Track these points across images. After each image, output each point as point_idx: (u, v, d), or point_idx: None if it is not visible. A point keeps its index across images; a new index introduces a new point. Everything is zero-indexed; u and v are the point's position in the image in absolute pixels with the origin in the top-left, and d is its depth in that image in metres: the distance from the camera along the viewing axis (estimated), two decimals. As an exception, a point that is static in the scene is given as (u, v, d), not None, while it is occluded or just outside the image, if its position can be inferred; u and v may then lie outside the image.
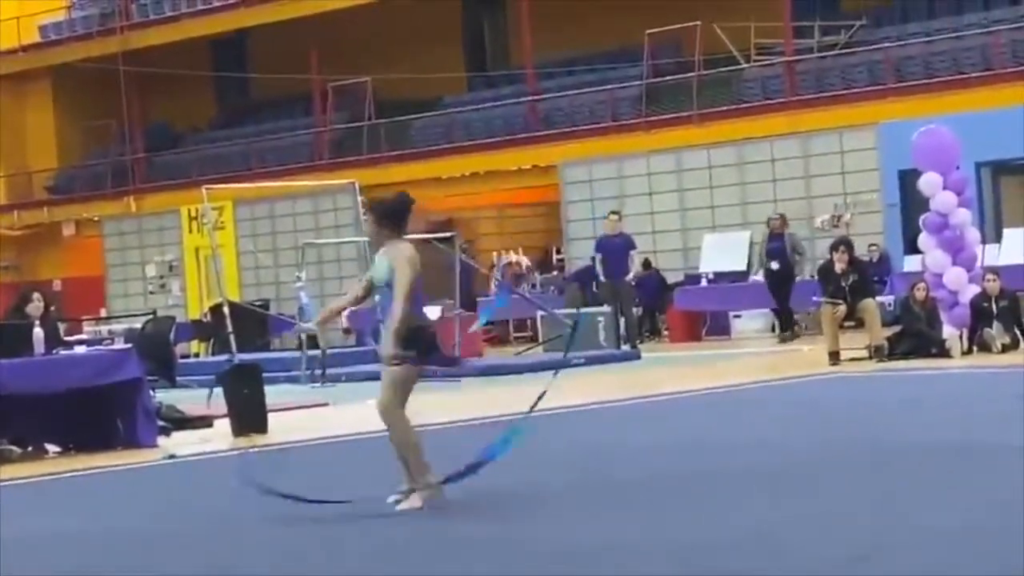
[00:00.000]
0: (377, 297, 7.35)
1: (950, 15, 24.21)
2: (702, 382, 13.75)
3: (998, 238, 20.38)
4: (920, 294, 15.09)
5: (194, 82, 31.83)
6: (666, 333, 22.51)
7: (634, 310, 20.34)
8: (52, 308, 12.78)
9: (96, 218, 32.20)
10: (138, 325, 20.10)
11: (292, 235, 27.40)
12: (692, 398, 12.66)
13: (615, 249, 19.59)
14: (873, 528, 6.07)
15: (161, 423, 11.59)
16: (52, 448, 11.35)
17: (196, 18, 30.58)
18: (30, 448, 11.31)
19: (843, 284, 14.94)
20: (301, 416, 13.06)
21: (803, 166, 23.45)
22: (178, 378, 16.06)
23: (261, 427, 11.67)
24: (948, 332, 14.87)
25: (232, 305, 19.67)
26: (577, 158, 25.53)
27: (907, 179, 20.02)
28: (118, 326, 23.96)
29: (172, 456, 10.49)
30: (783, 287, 19.46)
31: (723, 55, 24.97)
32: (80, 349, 12.20)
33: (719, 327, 22.10)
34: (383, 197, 7.66)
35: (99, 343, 15.11)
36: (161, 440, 11.23)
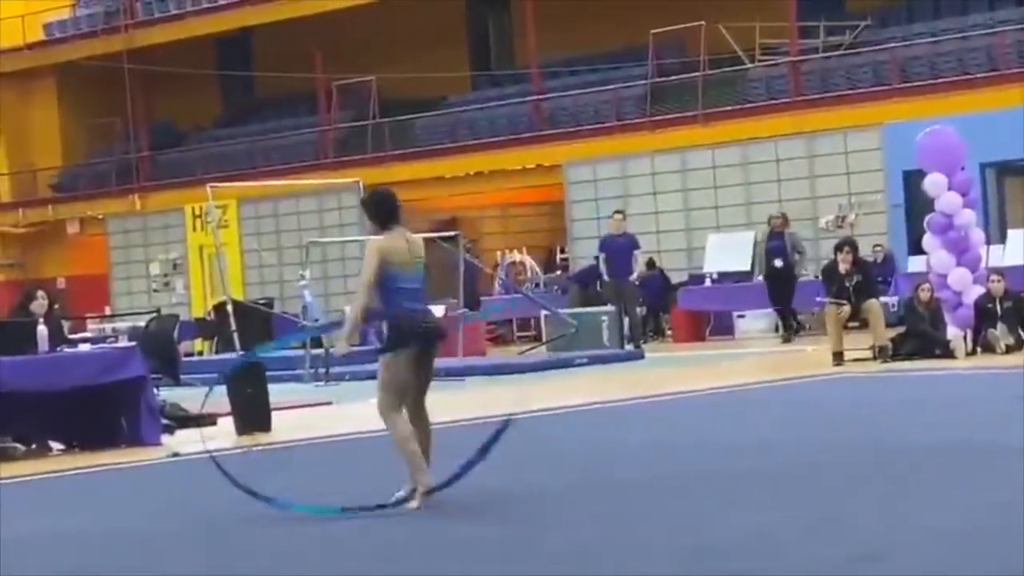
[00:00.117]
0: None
1: (955, 15, 24.19)
2: (705, 382, 13.74)
3: (1002, 239, 20.36)
4: (924, 295, 15.08)
5: (199, 80, 31.85)
6: (670, 333, 22.50)
7: (638, 310, 20.33)
8: (56, 306, 12.79)
9: (100, 216, 32.23)
10: (142, 323, 20.13)
11: (296, 234, 27.43)
12: (695, 398, 12.65)
13: (619, 249, 19.58)
14: (873, 529, 6.06)
15: (165, 421, 11.60)
16: (56, 446, 11.36)
17: (201, 16, 30.60)
18: (34, 446, 11.32)
19: (847, 285, 14.92)
20: (305, 415, 13.06)
21: (807, 166, 23.44)
22: (182, 376, 16.10)
23: (265, 425, 11.68)
24: (952, 333, 14.86)
25: (236, 304, 19.70)
26: (581, 158, 25.53)
27: (912, 180, 20.01)
28: (122, 324, 23.96)
29: (176, 454, 10.50)
30: (785, 286, 19.44)
31: (728, 55, 24.96)
32: (84, 347, 12.21)
33: (723, 327, 22.09)
34: (371, 192, 7.72)
35: (103, 341, 15.13)
36: (165, 438, 11.24)
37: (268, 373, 12.19)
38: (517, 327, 25.35)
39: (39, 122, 34.04)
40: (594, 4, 26.79)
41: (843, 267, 15.00)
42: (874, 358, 14.78)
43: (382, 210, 7.30)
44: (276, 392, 12.37)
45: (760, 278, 20.22)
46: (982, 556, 5.39)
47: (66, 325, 14.49)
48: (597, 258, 20.37)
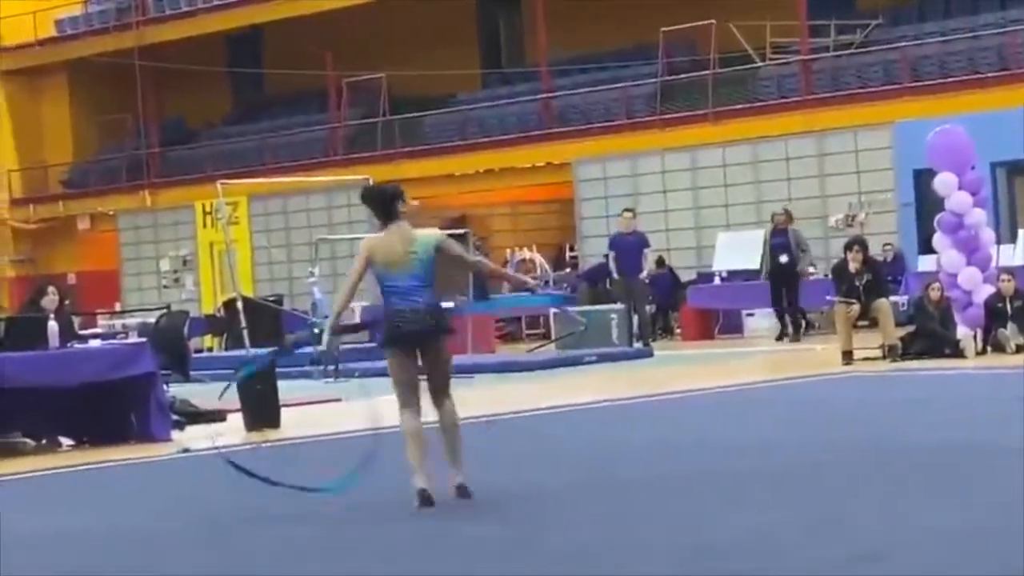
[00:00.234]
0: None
1: (966, 15, 24.15)
2: (712, 381, 13.74)
3: (1013, 238, 20.33)
4: (934, 294, 15.05)
5: (209, 78, 31.89)
6: (679, 331, 22.49)
7: (647, 308, 20.32)
8: (67, 302, 12.83)
9: (111, 212, 32.30)
10: (152, 319, 20.16)
11: (306, 231, 27.47)
12: (702, 397, 12.64)
13: (629, 247, 19.58)
14: (874, 529, 6.05)
15: (174, 417, 11.62)
16: (66, 441, 11.39)
17: (212, 14, 30.64)
18: (44, 441, 11.35)
19: (857, 283, 14.91)
20: (314, 411, 13.08)
21: (818, 165, 23.41)
22: (191, 372, 16.12)
23: (274, 422, 11.70)
24: (962, 332, 14.84)
25: (246, 300, 19.72)
26: (591, 156, 25.53)
27: (922, 179, 19.98)
28: (132, 320, 24.02)
29: (186, 450, 10.52)
30: (790, 283, 19.40)
31: (738, 53, 24.94)
32: (95, 343, 12.25)
33: (732, 325, 22.07)
34: (365, 188, 7.69)
35: (113, 337, 15.17)
36: (174, 434, 11.27)
37: (278, 369, 12.21)
38: (526, 325, 25.35)
39: (50, 118, 34.11)
40: (604, 2, 26.77)
41: (853, 266, 14.98)
42: (884, 357, 14.76)
43: (376, 206, 7.29)
44: (286, 388, 12.39)
45: (764, 276, 20.17)
46: (982, 556, 5.38)
47: (76, 321, 14.53)
48: (607, 256, 20.37)
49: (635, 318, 19.36)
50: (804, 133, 23.54)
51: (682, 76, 25.78)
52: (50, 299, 11.83)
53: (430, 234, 7.25)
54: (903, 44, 23.70)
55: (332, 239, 25.29)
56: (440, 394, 7.20)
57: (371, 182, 21.42)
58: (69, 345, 11.35)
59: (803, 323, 20.11)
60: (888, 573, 5.31)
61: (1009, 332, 14.73)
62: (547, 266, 26.47)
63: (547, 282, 25.59)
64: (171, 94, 32.86)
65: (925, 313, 15.06)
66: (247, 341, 17.79)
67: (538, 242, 27.38)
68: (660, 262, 22.50)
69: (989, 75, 22.47)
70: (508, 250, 26.68)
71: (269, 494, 7.53)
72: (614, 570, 5.62)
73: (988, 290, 15.08)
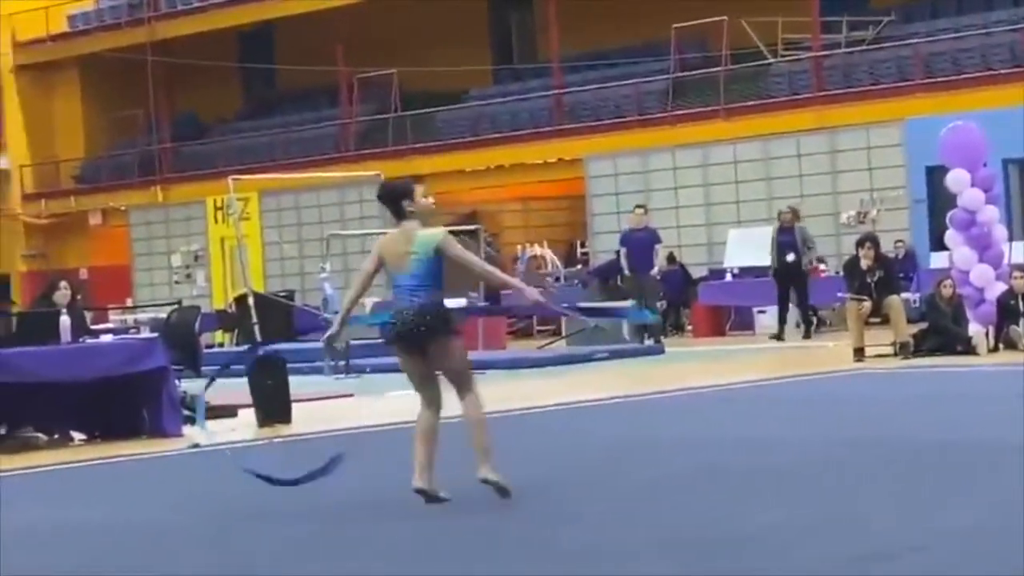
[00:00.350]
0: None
1: (979, 11, 24.10)
2: (723, 377, 13.73)
3: (1025, 235, 20.28)
4: (946, 291, 15.03)
5: (221, 73, 31.93)
6: (689, 328, 22.47)
7: (658, 304, 20.31)
8: (79, 297, 12.84)
9: (123, 207, 32.36)
10: (163, 315, 20.17)
11: (317, 226, 27.48)
12: (712, 393, 12.63)
13: (640, 243, 19.57)
14: (884, 527, 6.03)
15: (185, 412, 11.64)
16: (77, 436, 11.41)
17: (223, 9, 30.68)
18: (56, 436, 11.37)
19: (869, 280, 14.89)
20: (325, 407, 13.09)
21: (830, 162, 23.38)
22: (203, 368, 16.12)
23: (285, 417, 11.71)
24: (974, 329, 14.81)
25: (257, 296, 19.74)
26: (602, 152, 25.51)
27: (934, 175, 19.94)
28: (143, 315, 24.05)
29: (196, 445, 10.53)
30: (797, 281, 19.36)
31: (750, 50, 24.91)
32: (107, 338, 12.27)
33: (743, 322, 22.05)
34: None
35: (125, 332, 15.18)
36: (186, 429, 11.28)
37: (289, 365, 12.23)
38: (537, 321, 25.35)
39: (62, 113, 34.18)
40: (616, -1, 26.78)
41: (864, 263, 14.96)
42: (895, 354, 14.74)
43: (387, 205, 7.28)
44: (297, 384, 12.40)
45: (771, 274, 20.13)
46: (992, 555, 5.35)
47: (88, 316, 14.55)
48: (618, 252, 20.37)
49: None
50: (816, 130, 23.50)
51: (694, 72, 25.76)
52: (62, 294, 11.85)
53: (431, 234, 7.10)
54: (915, 40, 23.64)
55: (344, 235, 25.31)
56: (460, 390, 7.16)
57: (383, 178, 21.48)
58: (81, 340, 11.37)
59: (814, 320, 20.07)
60: (897, 572, 5.29)
61: (1021, 329, 14.70)
62: (558, 262, 26.48)
63: (557, 278, 25.61)
64: (183, 90, 32.91)
65: (937, 310, 15.03)
66: (258, 337, 17.80)
67: (549, 238, 27.41)
68: (671, 258, 22.49)
69: (1002, 72, 22.41)
70: (519, 246, 26.70)
71: (277, 490, 7.53)
72: (620, 569, 5.58)
73: (1000, 287, 15.05)
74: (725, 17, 24.64)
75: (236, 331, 22.61)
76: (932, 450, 8.24)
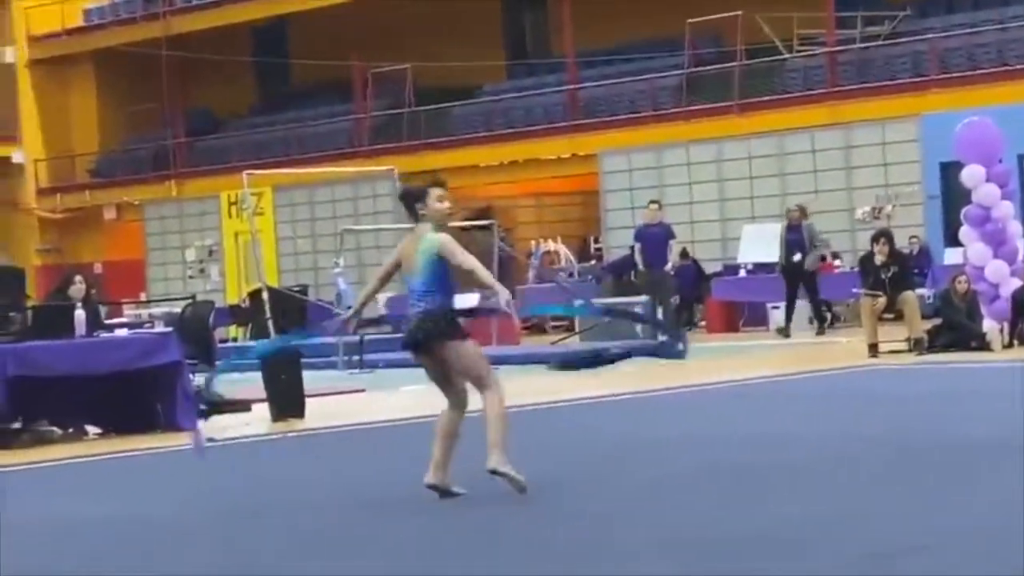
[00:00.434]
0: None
1: (995, 6, 24.00)
2: (737, 373, 13.71)
3: (1040, 232, 20.18)
4: (961, 287, 14.99)
5: (235, 68, 31.97)
6: (703, 324, 22.43)
7: (672, 300, 20.27)
8: (93, 291, 12.88)
9: (137, 202, 32.44)
10: (177, 309, 20.22)
11: (331, 221, 27.51)
12: (724, 389, 12.61)
13: (654, 238, 19.55)
14: (896, 525, 6.00)
15: (200, 406, 11.65)
16: (92, 430, 11.45)
17: (238, 4, 30.71)
18: (70, 430, 11.41)
19: (883, 276, 14.86)
20: (338, 402, 13.11)
21: (844, 157, 23.32)
22: (217, 362, 16.15)
23: (299, 412, 11.74)
24: (988, 325, 14.77)
25: (271, 290, 19.78)
26: (616, 147, 25.49)
27: (949, 171, 19.88)
28: (158, 310, 24.10)
29: (211, 440, 10.55)
30: (806, 278, 19.31)
31: (765, 45, 24.86)
32: (122, 332, 12.30)
33: (757, 318, 22.01)
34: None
35: (139, 326, 15.22)
36: (200, 423, 11.30)
37: (303, 360, 12.24)
38: (551, 317, 25.33)
39: (77, 108, 34.26)
40: (630, -7, 26.74)
41: (879, 259, 14.93)
42: (909, 350, 14.71)
43: (404, 204, 7.30)
44: (310, 379, 12.42)
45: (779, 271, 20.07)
46: (1005, 554, 5.32)
47: (103, 310, 14.59)
48: (632, 248, 20.35)
49: (659, 310, 19.31)
50: (830, 125, 23.45)
51: (708, 68, 25.72)
52: (77, 288, 11.88)
53: (431, 239, 7.10)
54: (931, 36, 23.57)
55: (357, 230, 25.33)
56: (479, 388, 7.16)
57: (396, 173, 21.57)
58: (96, 334, 11.40)
59: (827, 316, 20.03)
60: (909, 571, 5.26)
61: (1036, 325, 14.65)
62: (572, 257, 26.47)
63: (571, 274, 25.59)
64: (197, 84, 32.96)
65: (951, 306, 14.99)
66: (272, 331, 17.83)
67: (563, 234, 27.39)
68: (683, 254, 22.45)
69: (1018, 67, 22.33)
70: (533, 241, 26.70)
71: (286, 485, 7.54)
72: (614, 569, 5.55)
73: (1015, 283, 14.99)
74: (740, 12, 24.60)
75: (250, 326, 22.64)
76: (948, 447, 8.21)
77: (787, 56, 24.95)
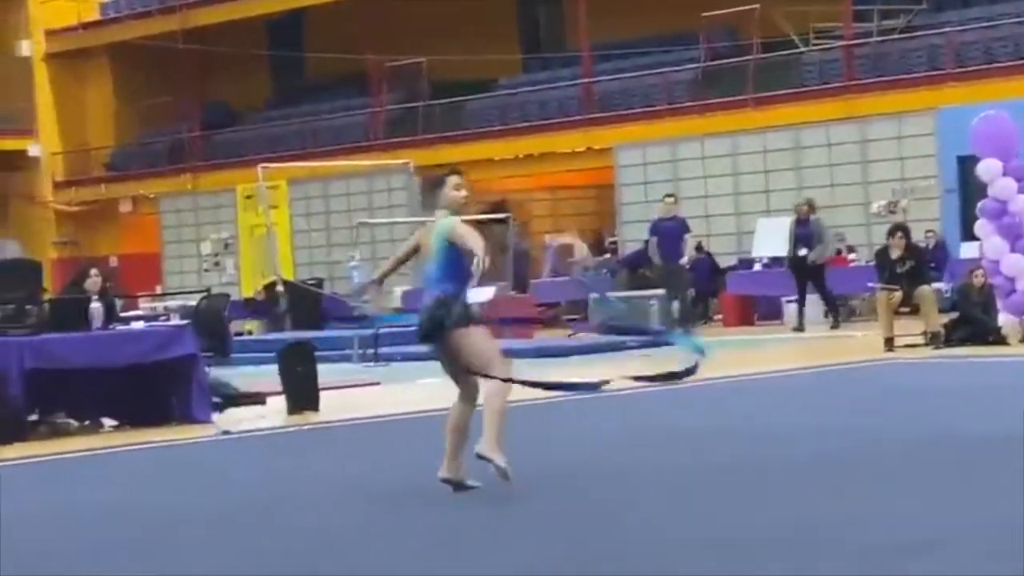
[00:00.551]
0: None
1: (1012, 0, 23.90)
2: (752, 367, 13.69)
3: (1057, 226, 20.11)
4: (977, 281, 14.96)
5: (251, 62, 32.00)
6: (718, 317, 22.41)
7: (687, 294, 20.26)
8: (109, 284, 12.92)
9: (153, 195, 32.51)
10: (192, 302, 20.27)
11: (346, 215, 27.54)
12: (739, 383, 12.58)
13: (670, 232, 19.53)
14: (913, 520, 5.98)
15: (213, 399, 11.69)
16: (108, 422, 11.49)
17: (254, -2, 30.75)
18: (87, 422, 11.45)
19: (899, 270, 14.83)
20: (353, 395, 13.13)
21: (860, 151, 23.27)
22: (232, 355, 16.19)
23: (314, 405, 11.76)
24: (1004, 319, 14.73)
25: (286, 284, 19.83)
26: (631, 141, 25.46)
27: (966, 165, 19.81)
28: (173, 303, 24.17)
29: (226, 432, 10.58)
30: (814, 273, 19.27)
31: (780, 38, 24.80)
32: (137, 325, 12.34)
33: (772, 312, 21.98)
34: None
35: (155, 319, 15.27)
36: (215, 416, 11.34)
37: (317, 353, 12.27)
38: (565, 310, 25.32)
39: (93, 101, 34.34)
40: (646, -13, 26.70)
41: (895, 252, 14.90)
42: (926, 344, 14.69)
43: (424, 194, 7.32)
44: (325, 372, 12.44)
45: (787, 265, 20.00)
46: (1014, 553, 5.28)
47: (118, 303, 14.63)
48: (647, 242, 20.33)
49: (675, 304, 19.30)
50: (846, 119, 23.39)
51: (724, 61, 25.66)
52: (93, 281, 11.93)
53: (445, 222, 7.05)
54: (947, 29, 23.49)
55: (372, 223, 25.36)
56: (482, 378, 7.15)
57: (411, 166, 21.66)
58: (112, 327, 11.43)
59: (839, 309, 19.96)
60: (928, 567, 5.23)
61: (1053, 320, 14.61)
62: (587, 250, 26.43)
63: (586, 268, 25.57)
64: (213, 78, 33.01)
65: (968, 300, 14.96)
66: (287, 324, 17.88)
67: (578, 227, 27.38)
68: (698, 247, 22.42)
69: (1035, 61, 22.25)
70: (546, 235, 26.70)
71: (298, 479, 7.54)
72: (614, 569, 5.51)
73: (1032, 278, 14.95)
74: (756, 5, 24.54)
75: (265, 319, 22.71)
76: (965, 441, 8.18)
77: (803, 50, 24.88)
